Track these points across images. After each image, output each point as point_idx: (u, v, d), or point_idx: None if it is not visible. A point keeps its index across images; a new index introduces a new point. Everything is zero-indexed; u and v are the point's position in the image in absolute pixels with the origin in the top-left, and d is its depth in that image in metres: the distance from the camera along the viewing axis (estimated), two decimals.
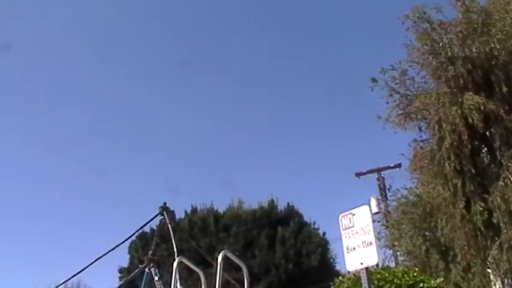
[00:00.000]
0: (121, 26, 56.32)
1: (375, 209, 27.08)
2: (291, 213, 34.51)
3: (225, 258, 8.83)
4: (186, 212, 34.30)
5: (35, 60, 53.92)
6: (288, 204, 35.04)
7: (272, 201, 34.90)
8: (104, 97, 56.51)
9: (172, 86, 55.16)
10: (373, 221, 20.12)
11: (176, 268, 8.97)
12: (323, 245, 33.62)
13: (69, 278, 12.70)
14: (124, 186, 50.78)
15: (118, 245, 10.95)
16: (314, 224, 34.85)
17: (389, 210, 22.15)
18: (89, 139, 53.02)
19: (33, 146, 52.87)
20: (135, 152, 52.65)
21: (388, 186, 25.64)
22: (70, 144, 53.62)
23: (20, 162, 52.10)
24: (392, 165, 28.20)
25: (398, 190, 17.82)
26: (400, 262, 18.76)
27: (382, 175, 29.53)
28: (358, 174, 29.85)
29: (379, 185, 29.29)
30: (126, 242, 12.82)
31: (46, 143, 55.65)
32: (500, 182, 10.89)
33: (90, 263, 10.91)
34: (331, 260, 33.80)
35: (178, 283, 9.10)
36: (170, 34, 56.97)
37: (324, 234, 34.30)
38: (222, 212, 34.43)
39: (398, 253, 19.17)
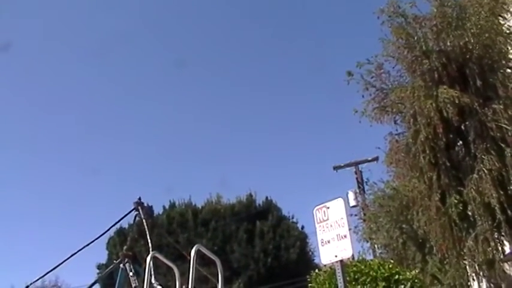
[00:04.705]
0: (116, 27, 56.23)
1: (352, 203, 27.22)
2: (270, 207, 34.60)
3: (202, 253, 8.80)
4: (164, 207, 34.23)
5: (30, 60, 53.71)
6: (267, 198, 35.18)
7: (250, 195, 34.98)
8: (98, 96, 56.42)
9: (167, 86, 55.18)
10: (351, 215, 20.32)
11: (149, 263, 8.90)
12: (302, 238, 33.80)
13: (45, 274, 12.52)
14: (114, 185, 50.75)
15: (93, 241, 10.83)
16: (292, 217, 35.05)
17: (366, 203, 22.29)
18: (81, 139, 52.96)
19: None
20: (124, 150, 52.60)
21: (365, 180, 25.75)
22: (60, 144, 53.46)
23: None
24: (369, 159, 28.38)
25: (375, 183, 18.05)
26: (377, 255, 18.95)
27: (360, 168, 29.64)
28: (336, 168, 29.92)
29: (356, 178, 29.39)
30: (103, 238, 12.71)
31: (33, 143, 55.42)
32: (475, 175, 10.96)
33: (66, 258, 10.78)
34: (310, 253, 34.02)
35: (153, 278, 9.04)
36: (165, 35, 56.99)
37: (302, 227, 34.51)
38: (200, 207, 34.38)
39: (375, 246, 19.36)
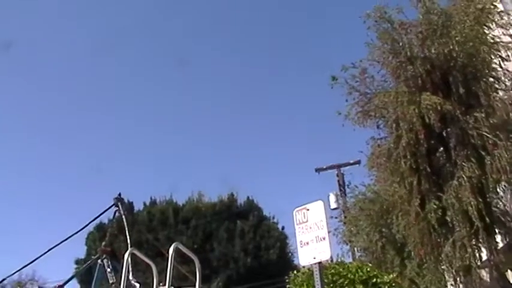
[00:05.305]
0: (120, 24, 55.96)
1: (333, 205, 27.33)
2: (251, 207, 34.61)
3: (180, 251, 8.79)
4: (144, 203, 34.08)
5: (34, 57, 53.33)
6: (248, 198, 35.15)
7: (232, 194, 34.96)
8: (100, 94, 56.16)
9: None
10: (332, 217, 20.32)
11: (127, 260, 8.88)
12: (282, 239, 33.82)
13: (22, 268, 12.50)
14: (102, 180, 50.51)
15: (71, 236, 10.81)
16: (273, 218, 35.07)
17: (347, 206, 22.37)
18: (83, 134, 52.65)
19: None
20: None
21: (347, 183, 25.81)
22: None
23: None
24: (352, 162, 28.45)
25: (356, 187, 18.10)
26: (356, 257, 19.04)
27: (342, 171, 29.73)
28: (318, 170, 29.96)
29: (338, 181, 29.46)
30: (82, 232, 12.67)
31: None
32: (455, 181, 11.06)
33: (44, 252, 10.75)
34: (290, 254, 34.02)
35: (130, 275, 9.03)
36: (168, 34, 56.84)
37: (283, 228, 34.53)
38: (181, 205, 34.29)
39: (355, 249, 19.46)
